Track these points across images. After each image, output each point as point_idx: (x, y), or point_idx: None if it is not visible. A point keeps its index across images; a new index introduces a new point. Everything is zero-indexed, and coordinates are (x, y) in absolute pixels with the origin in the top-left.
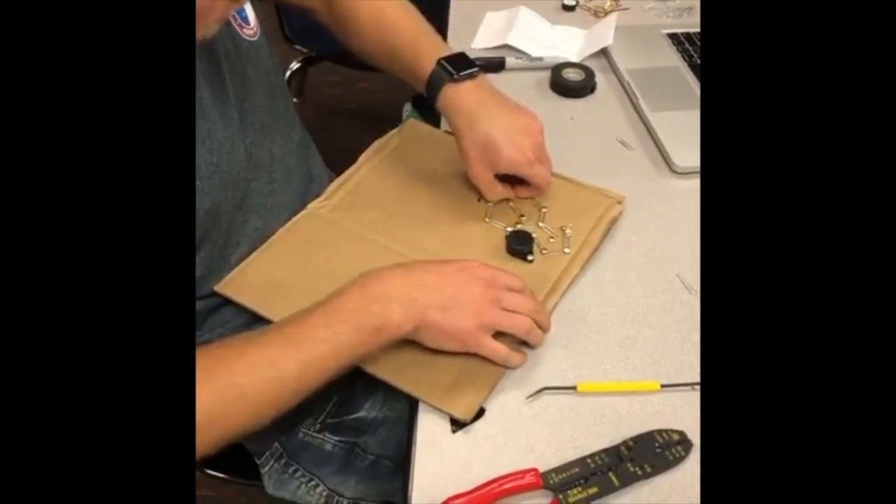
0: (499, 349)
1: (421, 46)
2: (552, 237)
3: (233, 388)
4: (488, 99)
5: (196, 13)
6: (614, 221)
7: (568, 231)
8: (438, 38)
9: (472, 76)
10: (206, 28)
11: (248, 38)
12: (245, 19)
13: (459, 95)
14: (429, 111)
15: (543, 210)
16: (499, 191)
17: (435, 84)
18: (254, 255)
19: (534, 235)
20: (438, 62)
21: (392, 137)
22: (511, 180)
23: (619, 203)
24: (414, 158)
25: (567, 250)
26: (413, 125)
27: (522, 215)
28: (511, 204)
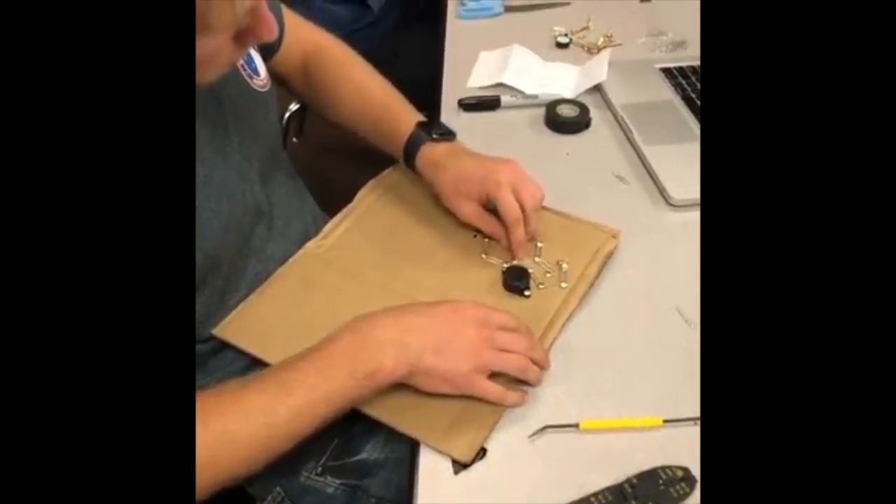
0: (493, 390)
1: (398, 110)
2: (549, 272)
3: (224, 433)
4: (463, 151)
5: (200, 59)
6: (610, 255)
7: (564, 265)
8: (408, 102)
9: (447, 138)
10: (211, 73)
11: (258, 90)
12: (255, 70)
13: (435, 152)
14: None
15: (539, 245)
16: (491, 220)
17: (414, 144)
18: (251, 297)
19: (530, 270)
20: (417, 124)
21: (389, 174)
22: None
23: (614, 237)
24: (411, 194)
25: (564, 284)
26: None
27: None
28: None
